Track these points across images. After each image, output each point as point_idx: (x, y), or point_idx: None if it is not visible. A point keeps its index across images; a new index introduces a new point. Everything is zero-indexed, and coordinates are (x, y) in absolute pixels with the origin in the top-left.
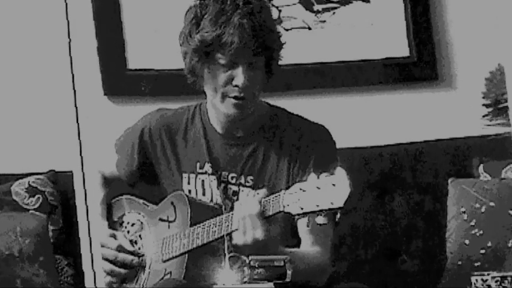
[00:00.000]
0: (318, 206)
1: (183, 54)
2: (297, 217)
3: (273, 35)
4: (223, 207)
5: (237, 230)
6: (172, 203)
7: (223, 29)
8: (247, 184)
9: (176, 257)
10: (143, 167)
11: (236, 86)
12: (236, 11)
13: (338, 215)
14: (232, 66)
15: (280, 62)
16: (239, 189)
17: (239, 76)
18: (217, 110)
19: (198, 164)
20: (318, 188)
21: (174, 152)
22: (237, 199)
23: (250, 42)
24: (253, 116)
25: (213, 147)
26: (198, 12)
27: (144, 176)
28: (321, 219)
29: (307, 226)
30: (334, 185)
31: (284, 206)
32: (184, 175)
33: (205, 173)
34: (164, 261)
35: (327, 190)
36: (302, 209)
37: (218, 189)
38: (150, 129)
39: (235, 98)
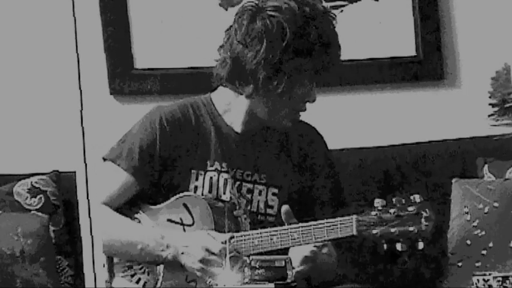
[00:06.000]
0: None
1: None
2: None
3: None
4: (237, 205)
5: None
6: (185, 206)
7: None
8: (261, 182)
9: None
10: (157, 167)
11: (307, 101)
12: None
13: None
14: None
15: None
16: (254, 187)
17: (313, 93)
18: (268, 119)
19: (208, 162)
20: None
21: (183, 148)
22: (252, 197)
23: None
24: None
25: (225, 144)
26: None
27: (161, 174)
28: (400, 246)
29: None
30: (417, 214)
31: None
32: (193, 171)
33: (215, 170)
34: None
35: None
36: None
37: (233, 188)
38: (159, 126)
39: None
